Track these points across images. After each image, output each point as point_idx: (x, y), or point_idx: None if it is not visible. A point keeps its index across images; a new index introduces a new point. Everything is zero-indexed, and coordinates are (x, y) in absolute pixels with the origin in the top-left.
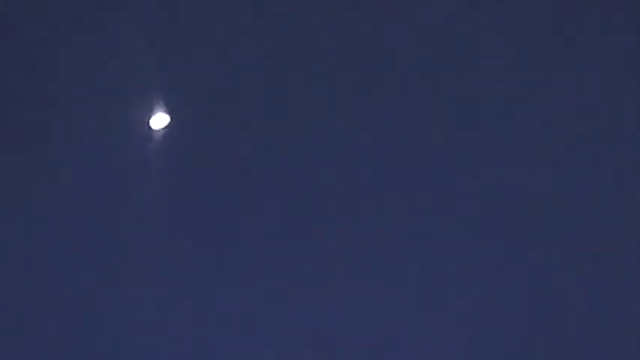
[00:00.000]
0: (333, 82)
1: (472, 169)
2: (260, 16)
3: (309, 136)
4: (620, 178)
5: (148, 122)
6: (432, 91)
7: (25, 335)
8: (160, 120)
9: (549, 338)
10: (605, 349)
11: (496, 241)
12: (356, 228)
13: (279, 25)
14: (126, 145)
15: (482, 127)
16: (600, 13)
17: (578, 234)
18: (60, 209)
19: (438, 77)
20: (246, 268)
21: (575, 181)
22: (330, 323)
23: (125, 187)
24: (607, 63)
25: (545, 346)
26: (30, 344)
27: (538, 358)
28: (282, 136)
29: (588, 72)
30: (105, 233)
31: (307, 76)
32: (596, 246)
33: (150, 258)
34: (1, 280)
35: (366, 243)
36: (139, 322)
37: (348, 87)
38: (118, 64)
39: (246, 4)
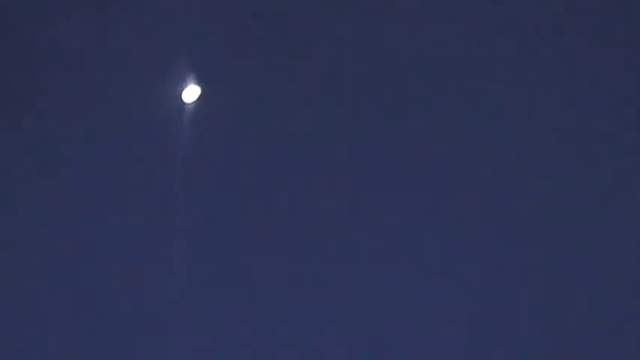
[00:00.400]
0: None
1: (474, 169)
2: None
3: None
4: (620, 178)
5: (181, 95)
6: (432, 90)
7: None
8: (191, 93)
9: (551, 338)
10: (606, 349)
11: (497, 242)
12: (358, 228)
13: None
14: (158, 119)
15: (483, 127)
16: (601, 14)
17: (580, 234)
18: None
19: (439, 78)
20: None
21: (578, 181)
22: (333, 323)
23: (157, 164)
24: (607, 63)
25: (547, 346)
26: (34, 344)
27: (540, 357)
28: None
29: (589, 72)
30: (134, 212)
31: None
32: (598, 246)
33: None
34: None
35: (370, 244)
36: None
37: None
38: (148, 39)
39: None
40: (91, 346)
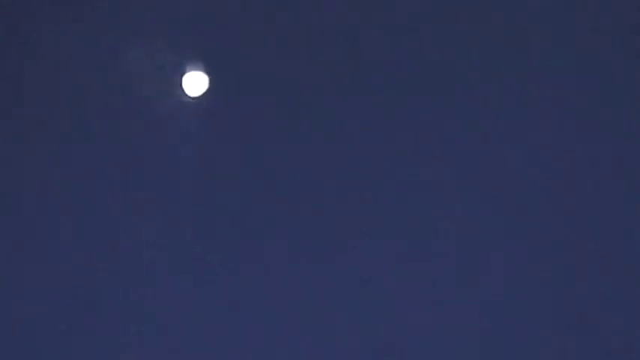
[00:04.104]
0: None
1: (476, 169)
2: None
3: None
4: (621, 178)
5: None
6: (431, 90)
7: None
8: (196, 87)
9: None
10: (607, 348)
11: (496, 241)
12: (357, 224)
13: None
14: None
15: (487, 128)
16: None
17: (581, 234)
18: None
19: (438, 75)
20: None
21: (579, 183)
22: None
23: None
24: (608, 63)
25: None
26: (29, 343)
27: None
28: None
29: (589, 72)
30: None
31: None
32: (598, 246)
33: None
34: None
35: (372, 240)
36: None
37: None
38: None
39: None
40: (89, 346)
